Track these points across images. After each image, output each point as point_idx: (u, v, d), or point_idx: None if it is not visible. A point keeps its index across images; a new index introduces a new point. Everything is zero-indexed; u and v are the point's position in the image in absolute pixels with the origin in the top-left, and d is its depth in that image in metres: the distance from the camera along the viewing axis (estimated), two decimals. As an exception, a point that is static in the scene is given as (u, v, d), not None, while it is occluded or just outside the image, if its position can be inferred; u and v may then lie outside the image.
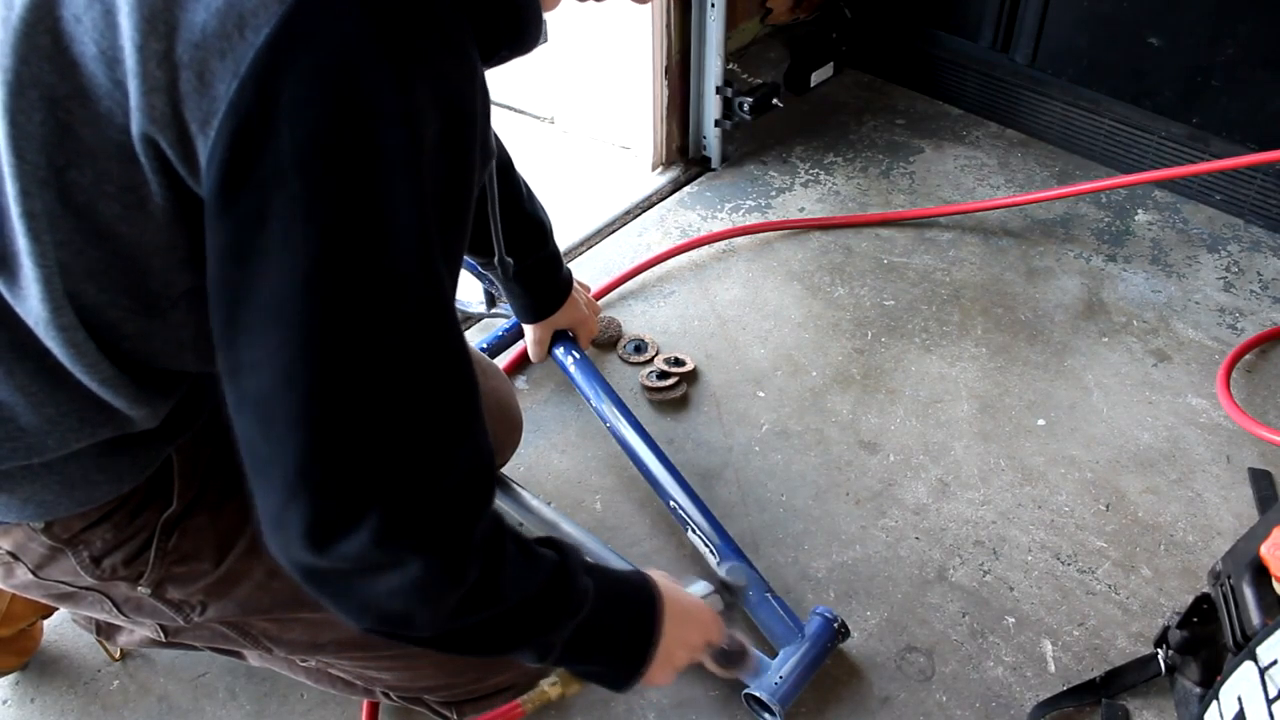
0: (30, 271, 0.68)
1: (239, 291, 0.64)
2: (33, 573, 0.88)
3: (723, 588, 1.12)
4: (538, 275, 1.42)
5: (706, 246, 1.89)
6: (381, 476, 0.68)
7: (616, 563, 1.24)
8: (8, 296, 0.71)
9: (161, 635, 0.99)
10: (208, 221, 0.64)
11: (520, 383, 1.64)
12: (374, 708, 1.18)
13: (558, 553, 0.86)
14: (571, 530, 1.29)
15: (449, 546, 0.73)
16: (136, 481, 0.85)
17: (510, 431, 1.34)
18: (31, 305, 0.69)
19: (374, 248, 0.63)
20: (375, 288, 0.64)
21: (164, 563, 0.89)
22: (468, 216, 0.72)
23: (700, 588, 1.11)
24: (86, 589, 0.90)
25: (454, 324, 0.71)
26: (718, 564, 1.28)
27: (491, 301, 1.69)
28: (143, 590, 0.90)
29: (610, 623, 0.91)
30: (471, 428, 0.73)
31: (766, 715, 1.17)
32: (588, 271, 1.84)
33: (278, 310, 0.63)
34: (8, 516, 0.82)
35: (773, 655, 1.19)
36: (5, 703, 1.23)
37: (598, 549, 1.28)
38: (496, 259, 1.09)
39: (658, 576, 0.99)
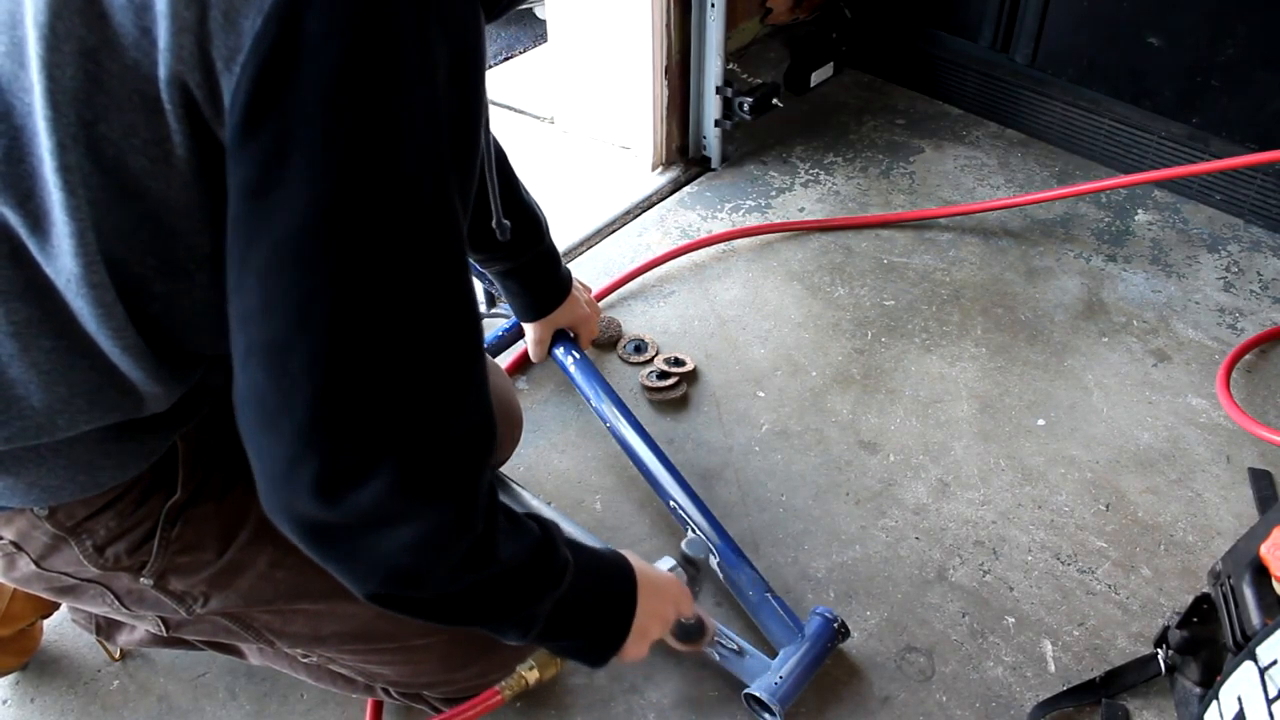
0: (64, 226, 0.68)
1: (256, 228, 0.65)
2: (36, 564, 0.87)
3: (685, 562, 1.13)
4: (535, 271, 1.42)
5: (706, 246, 1.89)
6: (398, 421, 0.68)
7: None
8: (39, 258, 0.71)
9: (163, 629, 0.99)
10: (229, 161, 0.65)
11: (520, 383, 1.64)
12: (378, 707, 1.18)
13: (539, 525, 0.88)
14: (572, 530, 1.29)
15: (462, 494, 0.73)
16: (141, 468, 0.85)
17: (510, 430, 1.34)
18: (64, 263, 0.69)
19: (392, 176, 0.64)
20: (393, 217, 0.65)
21: (167, 552, 0.89)
22: (477, 157, 0.73)
23: (664, 563, 1.13)
24: (89, 581, 0.90)
25: (467, 264, 0.72)
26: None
27: (491, 301, 1.69)
28: (145, 582, 0.90)
29: (589, 596, 0.93)
30: (481, 373, 0.74)
31: (766, 715, 1.17)
32: (588, 271, 1.84)
33: (295, 245, 0.64)
34: (11, 501, 0.82)
35: (773, 655, 1.19)
36: (5, 703, 1.23)
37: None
38: (494, 221, 1.10)
39: (627, 554, 1.01)
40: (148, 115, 0.66)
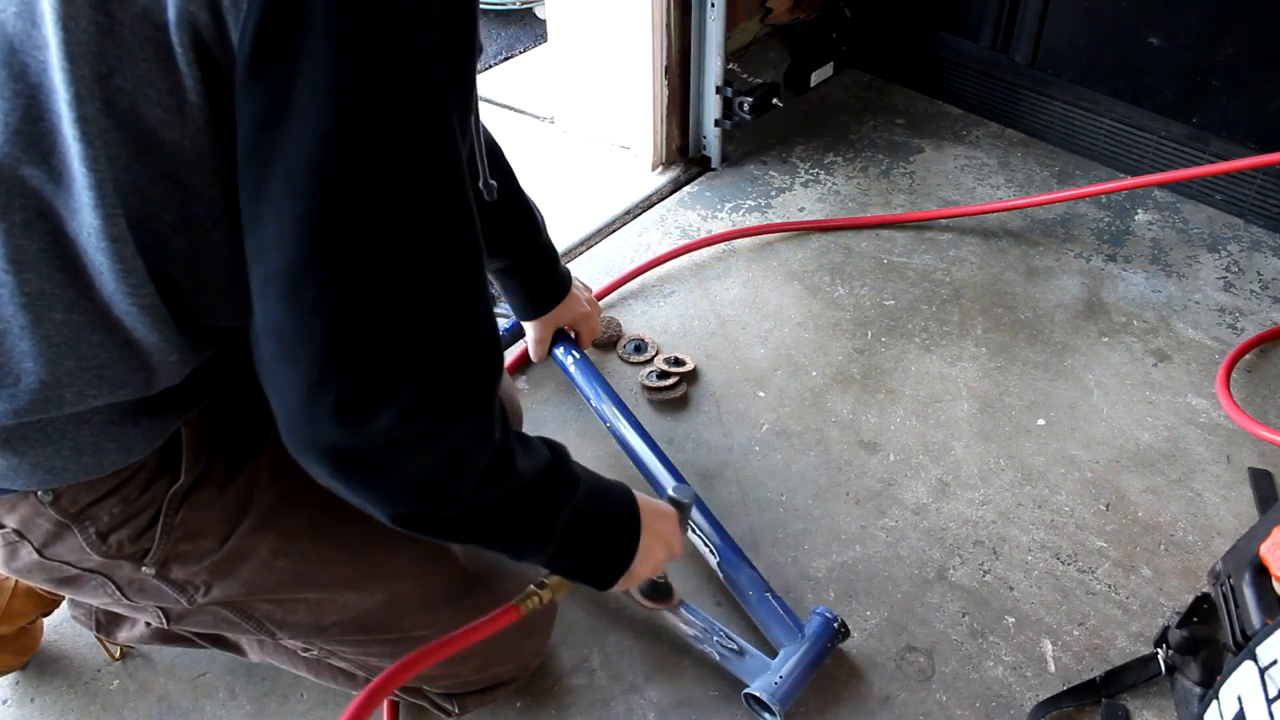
0: (83, 179, 0.69)
1: (266, 160, 0.66)
2: (38, 552, 0.87)
3: (672, 505, 1.12)
4: (533, 268, 1.42)
5: (706, 246, 1.89)
6: (413, 342, 0.71)
7: None
8: (62, 214, 0.71)
9: (163, 620, 0.99)
10: (239, 97, 0.66)
11: (520, 383, 1.64)
12: (394, 707, 1.18)
13: (547, 445, 0.92)
14: None
15: (480, 407, 0.77)
16: (145, 452, 0.85)
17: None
18: (85, 217, 0.70)
19: (395, 103, 0.66)
20: (398, 143, 0.67)
21: (170, 539, 0.90)
22: (473, 84, 0.75)
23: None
24: (90, 570, 0.90)
25: (468, 189, 0.74)
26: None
27: (491, 301, 1.69)
28: (147, 571, 0.90)
29: (600, 512, 0.96)
30: (485, 292, 0.77)
31: (766, 715, 1.17)
32: (588, 271, 1.84)
33: (305, 173, 0.66)
34: (15, 483, 0.82)
35: (773, 655, 1.19)
36: (5, 702, 1.23)
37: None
38: (481, 181, 1.12)
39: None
40: (160, 63, 0.67)
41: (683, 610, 1.22)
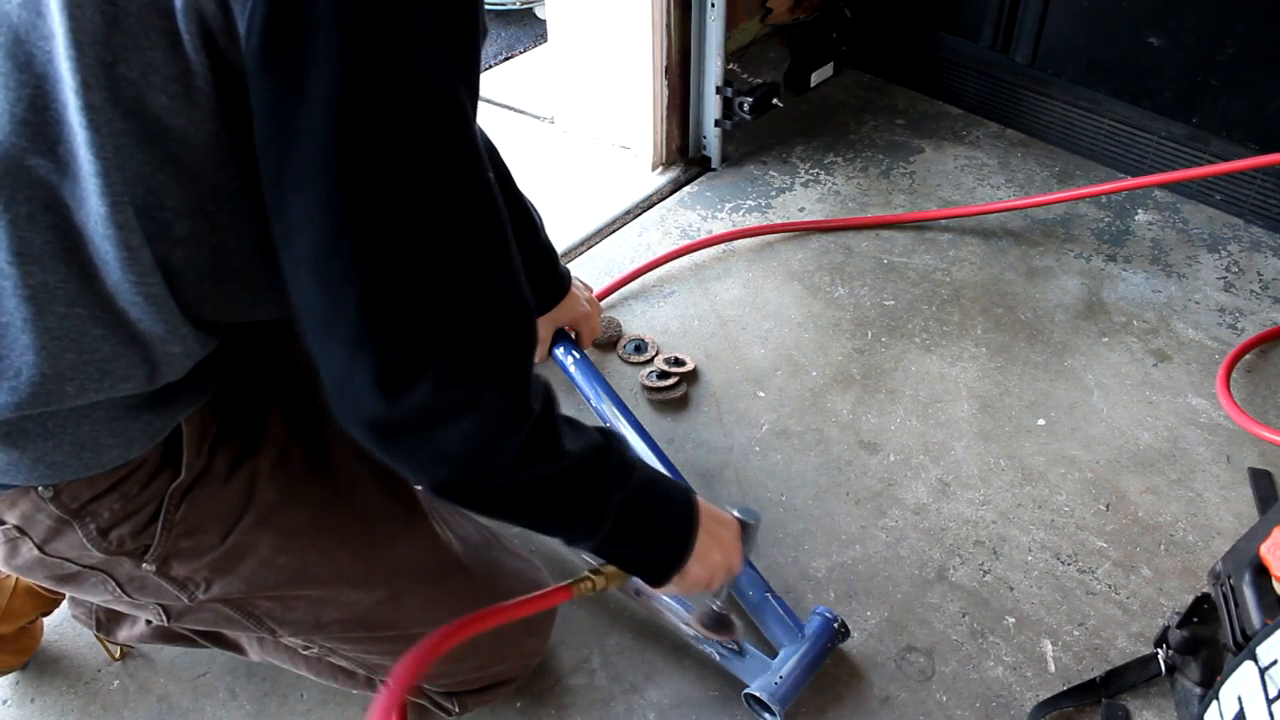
0: (90, 165, 0.69)
1: (284, 147, 0.67)
2: (39, 548, 0.87)
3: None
4: (532, 268, 1.41)
5: (706, 247, 1.89)
6: (442, 312, 0.72)
7: None
8: (70, 203, 0.71)
9: (164, 618, 0.99)
10: (251, 86, 0.67)
11: (520, 382, 1.63)
12: (403, 707, 1.18)
13: (602, 432, 0.92)
14: None
15: (514, 376, 0.78)
16: (146, 448, 0.85)
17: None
18: (92, 205, 0.71)
19: (406, 81, 0.67)
20: (412, 120, 0.68)
21: (171, 535, 0.89)
22: (478, 61, 0.76)
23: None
24: (91, 568, 0.90)
25: (485, 160, 0.75)
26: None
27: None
28: (147, 568, 0.90)
29: (655, 501, 0.96)
30: (514, 259, 0.77)
31: (766, 715, 1.18)
32: (588, 271, 1.84)
33: (323, 157, 0.67)
34: (15, 478, 0.82)
35: (773, 655, 1.19)
36: (5, 703, 1.23)
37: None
38: None
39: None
40: (166, 50, 0.67)
41: (683, 607, 1.22)
